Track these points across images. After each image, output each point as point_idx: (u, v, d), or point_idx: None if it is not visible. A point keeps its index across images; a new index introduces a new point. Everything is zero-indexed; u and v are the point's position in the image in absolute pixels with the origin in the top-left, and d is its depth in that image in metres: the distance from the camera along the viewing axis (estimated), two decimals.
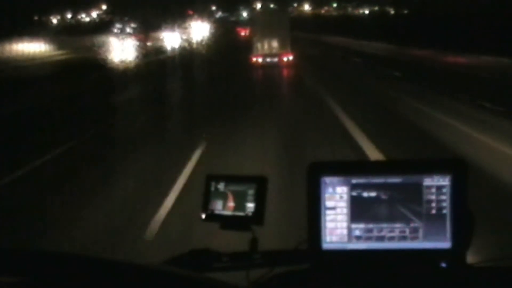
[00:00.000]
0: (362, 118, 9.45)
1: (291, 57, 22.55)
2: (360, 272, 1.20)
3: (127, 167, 6.98)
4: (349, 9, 74.51)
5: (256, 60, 22.72)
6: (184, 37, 36.32)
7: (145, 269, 1.01)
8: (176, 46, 34.28)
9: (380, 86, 15.07)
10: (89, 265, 0.99)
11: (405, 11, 47.65)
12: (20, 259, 0.98)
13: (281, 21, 23.47)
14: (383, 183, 1.20)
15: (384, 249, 1.21)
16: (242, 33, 53.88)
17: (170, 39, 35.74)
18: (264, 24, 23.28)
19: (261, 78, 19.80)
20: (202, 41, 35.26)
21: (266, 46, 22.96)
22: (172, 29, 36.39)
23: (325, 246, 1.22)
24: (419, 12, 36.34)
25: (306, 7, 79.77)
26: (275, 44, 22.94)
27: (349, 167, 1.26)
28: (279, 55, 22.57)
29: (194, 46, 34.03)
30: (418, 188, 1.20)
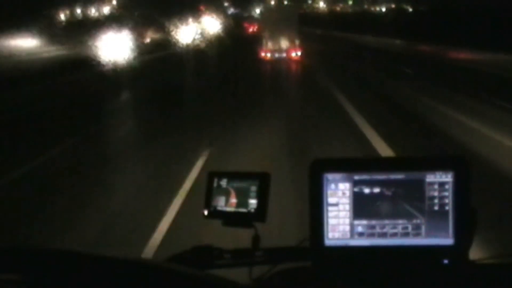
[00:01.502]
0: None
1: (299, 52, 23.44)
2: (363, 269, 1.22)
3: None
4: (365, 6, 74.10)
5: (265, 55, 23.81)
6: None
7: (147, 266, 1.04)
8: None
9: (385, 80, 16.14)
10: (90, 263, 1.02)
11: (421, 9, 47.33)
12: (21, 257, 1.02)
13: (290, 17, 24.41)
14: (386, 180, 1.23)
15: (386, 245, 1.24)
16: (250, 29, 54.40)
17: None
18: (273, 20, 24.28)
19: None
20: (192, 42, 29.45)
21: (275, 42, 23.92)
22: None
23: (328, 242, 1.25)
24: (437, 9, 36.07)
25: (321, 4, 79.50)
26: (283, 39, 23.81)
27: (351, 163, 1.28)
28: (287, 50, 23.55)
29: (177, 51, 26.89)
30: (420, 185, 1.22)
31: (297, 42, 23.87)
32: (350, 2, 78.80)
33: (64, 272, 0.98)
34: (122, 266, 1.02)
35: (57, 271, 0.98)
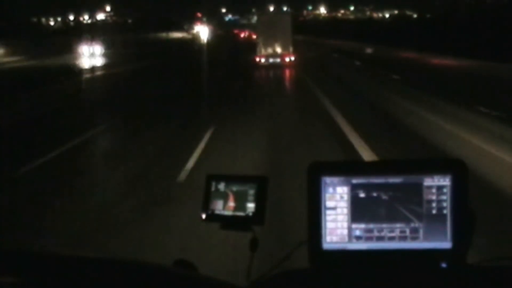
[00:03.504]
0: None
1: (293, 58, 25.22)
2: (360, 272, 1.26)
3: None
4: (367, 13, 74.61)
5: (260, 60, 25.49)
6: None
7: (145, 268, 1.08)
8: None
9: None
10: (89, 265, 1.06)
11: (428, 15, 47.59)
12: (20, 259, 1.05)
13: (283, 23, 25.95)
14: (384, 183, 1.27)
15: (384, 249, 1.28)
16: (242, 35, 55.64)
17: None
18: (267, 27, 25.78)
19: None
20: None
21: (269, 48, 25.57)
22: None
23: (325, 246, 1.29)
24: (443, 16, 36.22)
25: (322, 10, 79.88)
26: (277, 45, 25.49)
27: (349, 167, 1.33)
28: (281, 55, 25.26)
29: None
30: (418, 188, 1.26)
31: (291, 48, 25.44)
32: (352, 8, 79.17)
33: (62, 274, 1.01)
34: (120, 268, 1.06)
35: (56, 274, 1.01)
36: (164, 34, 73.43)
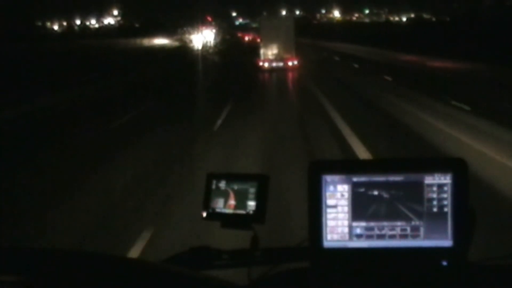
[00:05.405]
0: None
1: (296, 62, 26.02)
2: (361, 271, 1.30)
3: None
4: (383, 16, 74.55)
5: (263, 64, 26.21)
6: None
7: (145, 267, 1.12)
8: None
9: None
10: (89, 262, 1.10)
11: (447, 19, 47.51)
12: (20, 258, 1.10)
13: (286, 27, 26.66)
14: (384, 182, 1.31)
15: (385, 247, 1.32)
16: (246, 38, 57.13)
17: None
18: (270, 30, 26.43)
19: None
20: None
21: (272, 51, 26.37)
22: None
23: (326, 244, 1.33)
24: (461, 19, 36.11)
25: (336, 13, 79.95)
26: (280, 49, 26.24)
27: (350, 165, 1.37)
28: (284, 59, 25.96)
29: None
30: (419, 187, 1.30)
31: (293, 52, 26.19)
32: (367, 11, 79.15)
33: (62, 272, 1.05)
34: (120, 266, 1.10)
35: (56, 272, 1.05)
36: (138, 41, 62.24)
